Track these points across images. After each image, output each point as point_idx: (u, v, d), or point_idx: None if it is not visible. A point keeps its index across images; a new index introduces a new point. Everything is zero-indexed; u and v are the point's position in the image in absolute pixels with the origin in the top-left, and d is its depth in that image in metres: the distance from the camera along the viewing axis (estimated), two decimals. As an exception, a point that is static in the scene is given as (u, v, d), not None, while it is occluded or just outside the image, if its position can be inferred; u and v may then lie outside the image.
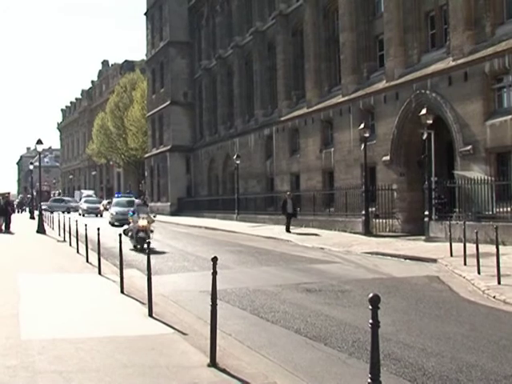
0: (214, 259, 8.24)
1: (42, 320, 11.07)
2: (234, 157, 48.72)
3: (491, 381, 7.65)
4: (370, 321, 5.53)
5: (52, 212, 53.65)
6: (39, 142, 38.31)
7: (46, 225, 39.40)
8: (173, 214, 62.35)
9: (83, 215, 59.83)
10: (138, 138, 77.54)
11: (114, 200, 48.07)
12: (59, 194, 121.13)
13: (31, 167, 56.40)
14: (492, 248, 15.40)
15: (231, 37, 56.07)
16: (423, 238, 25.85)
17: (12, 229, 37.18)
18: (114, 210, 44.76)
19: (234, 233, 36.10)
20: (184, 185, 66.10)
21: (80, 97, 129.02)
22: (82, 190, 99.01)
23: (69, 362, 8.21)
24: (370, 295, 5.56)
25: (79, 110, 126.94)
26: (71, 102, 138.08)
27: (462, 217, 24.17)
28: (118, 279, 14.27)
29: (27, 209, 69.32)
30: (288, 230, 33.17)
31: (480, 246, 16.39)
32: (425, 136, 26.69)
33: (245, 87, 54.04)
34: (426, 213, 26.25)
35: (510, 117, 24.45)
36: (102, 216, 60.44)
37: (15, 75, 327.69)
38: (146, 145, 75.33)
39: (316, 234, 31.24)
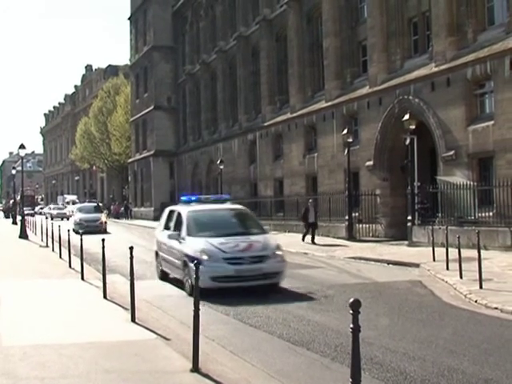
0: (197, 264, 8.25)
1: (24, 326, 11.02)
2: (218, 162, 48.67)
3: (472, 384, 7.71)
4: (351, 325, 5.56)
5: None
6: (22, 146, 38.14)
7: (28, 230, 39.17)
8: (156, 219, 61.80)
9: (77, 231, 33.46)
10: (122, 142, 77.25)
11: (186, 211, 17.03)
12: (42, 200, 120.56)
13: (14, 172, 55.90)
14: (474, 253, 15.49)
15: (215, 42, 56.06)
16: (406, 242, 25.96)
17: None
18: (199, 244, 15.39)
19: (218, 238, 35.94)
20: (167, 190, 65.92)
21: (63, 101, 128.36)
22: (65, 195, 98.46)
23: (51, 367, 8.18)
24: (351, 300, 5.58)
25: (62, 115, 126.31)
26: (54, 107, 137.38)
27: (445, 222, 24.30)
28: (101, 285, 14.23)
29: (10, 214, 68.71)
30: (304, 239, 29.84)
31: (462, 250, 16.48)
32: (408, 141, 26.84)
33: (228, 92, 54.05)
34: (409, 218, 26.37)
35: (491, 122, 24.62)
36: (106, 231, 41.46)
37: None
38: (130, 150, 75.08)
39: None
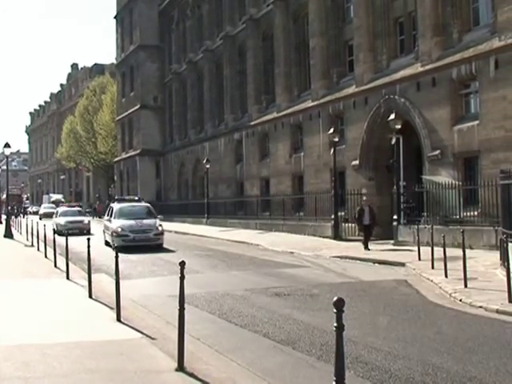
0: (182, 263, 8.24)
1: (9, 326, 10.97)
2: (204, 161, 48.67)
3: (456, 383, 7.74)
4: (335, 324, 5.58)
5: None
6: (7, 145, 37.92)
7: (13, 229, 38.99)
8: (142, 218, 61.91)
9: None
10: (108, 141, 77.06)
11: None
12: (27, 199, 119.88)
13: (-1, 171, 55.52)
14: (459, 252, 15.58)
15: (202, 41, 56.03)
16: (392, 242, 26.04)
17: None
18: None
19: (204, 237, 36.04)
20: (154, 189, 65.80)
21: (49, 100, 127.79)
22: (51, 194, 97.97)
23: (35, 367, 8.15)
24: (334, 299, 5.60)
25: (48, 114, 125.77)
26: (40, 106, 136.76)
27: (430, 221, 24.40)
28: (87, 284, 14.19)
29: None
30: (366, 247, 24.86)
31: (447, 249, 16.58)
32: (393, 141, 26.93)
33: (215, 91, 54.03)
34: (395, 217, 26.46)
35: (476, 122, 24.76)
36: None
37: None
38: (116, 149, 74.90)
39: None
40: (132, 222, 27.28)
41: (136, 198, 33.49)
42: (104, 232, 30.24)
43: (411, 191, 26.74)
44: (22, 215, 69.29)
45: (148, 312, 12.75)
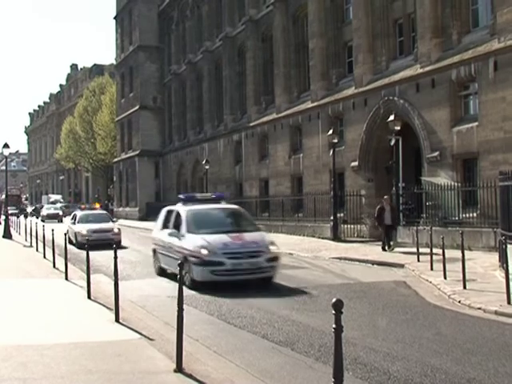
0: (181, 264, 8.24)
1: (7, 326, 10.96)
2: (203, 162, 48.63)
3: (455, 384, 7.74)
4: (334, 325, 5.57)
5: None
6: (6, 145, 37.89)
7: (12, 230, 38.96)
8: (141, 219, 61.89)
9: None
10: (107, 142, 77.06)
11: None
12: (26, 199, 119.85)
13: (-3, 171, 55.40)
14: (458, 253, 15.58)
15: (201, 42, 56.03)
16: (391, 243, 25.98)
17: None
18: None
19: (203, 238, 35.85)
20: (153, 190, 65.80)
21: (48, 100, 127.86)
22: (50, 195, 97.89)
23: (33, 368, 8.13)
24: (333, 300, 5.60)
25: (47, 114, 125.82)
26: (39, 106, 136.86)
27: (429, 222, 24.39)
28: (85, 284, 14.18)
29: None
30: (384, 248, 23.97)
31: (446, 251, 16.57)
32: (393, 142, 26.93)
33: (214, 92, 54.02)
34: (394, 218, 26.43)
35: (476, 124, 24.76)
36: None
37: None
38: (115, 149, 74.88)
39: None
40: (224, 237, 15.89)
41: (213, 196, 20.33)
42: (156, 252, 19.02)
43: (410, 192, 26.74)
44: (35, 216, 68.44)
45: (146, 313, 12.74)
